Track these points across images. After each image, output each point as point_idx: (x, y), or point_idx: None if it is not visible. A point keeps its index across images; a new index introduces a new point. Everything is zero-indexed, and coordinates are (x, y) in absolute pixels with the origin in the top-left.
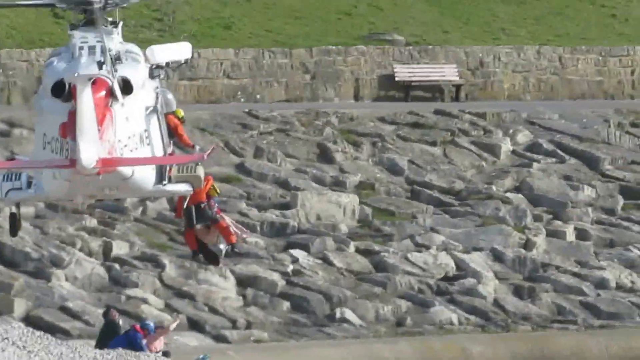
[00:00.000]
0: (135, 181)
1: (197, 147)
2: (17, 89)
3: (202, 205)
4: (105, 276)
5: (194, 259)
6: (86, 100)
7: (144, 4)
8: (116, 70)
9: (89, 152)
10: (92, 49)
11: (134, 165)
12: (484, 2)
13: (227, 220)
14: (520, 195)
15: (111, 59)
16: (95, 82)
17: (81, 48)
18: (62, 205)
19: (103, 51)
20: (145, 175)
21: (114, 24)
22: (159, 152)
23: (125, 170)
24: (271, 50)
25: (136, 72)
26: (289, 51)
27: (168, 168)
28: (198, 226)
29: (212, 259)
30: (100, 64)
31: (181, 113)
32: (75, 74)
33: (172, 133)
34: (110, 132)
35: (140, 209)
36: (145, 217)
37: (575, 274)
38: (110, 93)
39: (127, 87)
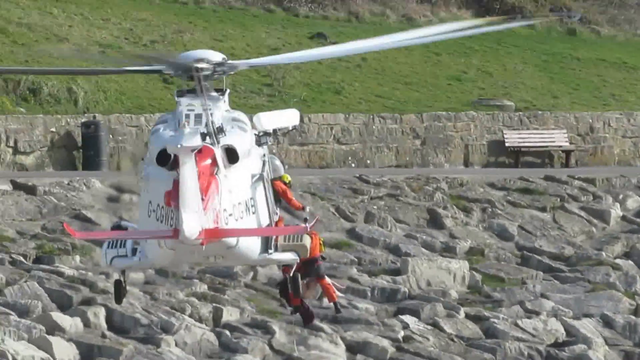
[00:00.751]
0: (240, 250)
1: (308, 209)
2: (127, 155)
3: (316, 260)
4: (215, 342)
5: (293, 314)
6: (189, 172)
7: (253, 69)
8: (219, 143)
9: (192, 223)
10: (198, 117)
11: (238, 236)
12: (594, 67)
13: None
14: (630, 262)
15: (214, 130)
16: (202, 151)
17: (187, 116)
18: (172, 271)
19: (207, 123)
20: (251, 244)
21: (221, 92)
22: (265, 221)
23: (230, 239)
24: (381, 115)
25: (242, 141)
26: (399, 116)
27: (274, 237)
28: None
29: (308, 316)
30: (203, 136)
31: (288, 178)
32: (179, 146)
33: (280, 198)
34: (215, 200)
35: (251, 274)
36: (256, 283)
37: None
38: (215, 161)
39: (232, 156)
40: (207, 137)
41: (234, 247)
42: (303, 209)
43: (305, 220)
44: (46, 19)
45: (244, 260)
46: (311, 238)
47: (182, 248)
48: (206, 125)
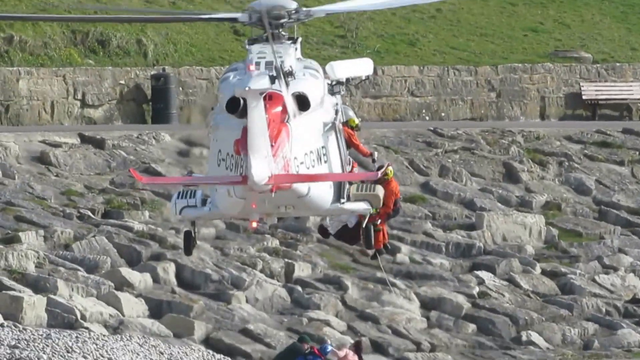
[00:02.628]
0: (311, 199)
1: (375, 154)
2: (197, 108)
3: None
4: (287, 298)
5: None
6: (257, 115)
7: (326, 20)
8: (288, 85)
9: (261, 168)
10: (269, 64)
11: (306, 182)
12: None
13: None
14: None
15: (284, 74)
16: (272, 98)
17: (258, 63)
18: (243, 226)
19: (275, 66)
20: (322, 193)
21: (293, 40)
22: (337, 170)
23: (301, 187)
24: (456, 67)
25: (314, 88)
26: (474, 69)
27: (348, 186)
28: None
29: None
30: (272, 78)
31: (355, 121)
32: (247, 88)
33: (348, 143)
34: (286, 148)
35: None
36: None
37: None
38: (286, 108)
39: (303, 103)
40: (276, 81)
41: (305, 196)
42: (371, 154)
43: (373, 160)
44: None
45: (316, 210)
46: (386, 187)
47: (253, 196)
48: (275, 68)
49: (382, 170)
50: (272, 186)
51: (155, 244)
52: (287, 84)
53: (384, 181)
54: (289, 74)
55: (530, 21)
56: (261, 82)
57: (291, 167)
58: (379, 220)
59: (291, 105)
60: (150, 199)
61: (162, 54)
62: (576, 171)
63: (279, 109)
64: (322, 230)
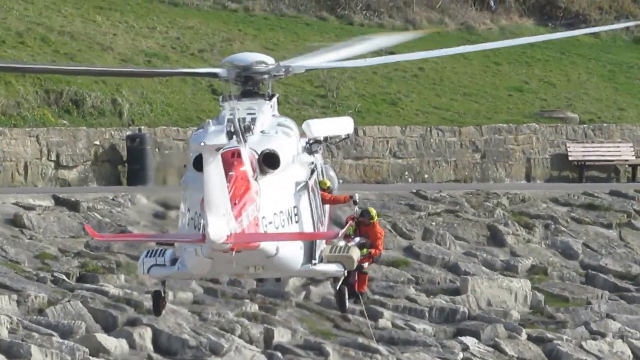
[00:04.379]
0: (280, 260)
1: (356, 195)
2: (174, 169)
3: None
4: None
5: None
6: (213, 171)
7: (306, 80)
8: (245, 141)
9: (219, 226)
10: (241, 122)
11: (266, 241)
12: None
13: None
14: None
15: (241, 128)
16: (239, 155)
17: (229, 120)
18: (221, 291)
19: (233, 121)
20: (292, 254)
21: (269, 97)
22: (309, 231)
23: (269, 247)
24: (439, 127)
25: (285, 147)
26: (458, 129)
27: (322, 247)
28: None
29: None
30: (229, 134)
31: (326, 183)
32: (202, 144)
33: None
34: (252, 207)
35: (303, 293)
36: (308, 303)
37: None
38: (254, 166)
39: (273, 161)
40: (234, 137)
41: (274, 257)
42: (351, 197)
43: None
44: (89, 28)
45: (286, 271)
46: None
47: (219, 256)
48: (232, 124)
49: (344, 230)
50: (231, 245)
51: (131, 308)
52: (244, 140)
53: (370, 224)
54: (247, 129)
55: (515, 80)
56: (218, 138)
57: (259, 227)
58: (366, 263)
59: (259, 162)
60: (126, 263)
61: (138, 114)
62: (563, 234)
63: (246, 166)
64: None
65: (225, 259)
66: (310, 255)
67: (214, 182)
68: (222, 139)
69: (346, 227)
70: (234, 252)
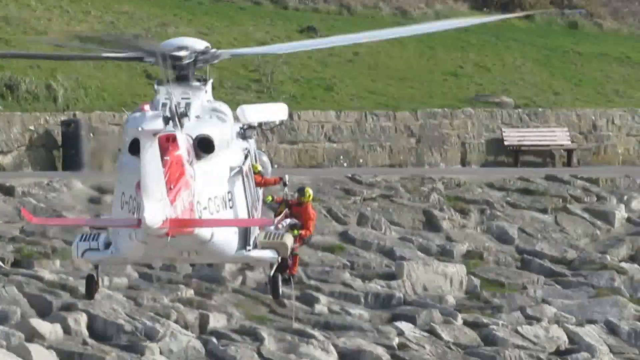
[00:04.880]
0: (215, 245)
1: (286, 177)
2: (109, 154)
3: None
4: (202, 350)
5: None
6: (150, 155)
7: (240, 64)
8: (182, 126)
9: (155, 211)
10: (171, 107)
11: (202, 226)
12: (596, 62)
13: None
14: (635, 265)
15: (177, 113)
16: (174, 140)
17: (164, 105)
18: (157, 276)
19: (170, 107)
20: (227, 240)
21: (204, 81)
22: (243, 216)
23: (204, 233)
24: (374, 112)
25: (220, 131)
26: (392, 114)
27: (256, 233)
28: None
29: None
30: (166, 119)
31: (258, 168)
32: (139, 129)
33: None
34: (187, 192)
35: (240, 279)
36: (244, 288)
37: None
38: (189, 151)
39: (207, 146)
40: (170, 122)
41: (208, 242)
42: (281, 179)
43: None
44: (24, 12)
45: (220, 256)
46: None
47: (154, 241)
48: (169, 109)
49: (279, 218)
50: (166, 230)
51: (66, 293)
52: (181, 125)
53: (303, 203)
54: (184, 115)
55: (450, 65)
56: (155, 123)
57: (194, 212)
58: (297, 244)
59: (193, 147)
60: (62, 248)
61: (73, 99)
62: (498, 219)
63: (181, 151)
64: None
65: (159, 244)
66: (244, 241)
67: (151, 167)
68: (159, 124)
69: (282, 216)
70: (169, 237)
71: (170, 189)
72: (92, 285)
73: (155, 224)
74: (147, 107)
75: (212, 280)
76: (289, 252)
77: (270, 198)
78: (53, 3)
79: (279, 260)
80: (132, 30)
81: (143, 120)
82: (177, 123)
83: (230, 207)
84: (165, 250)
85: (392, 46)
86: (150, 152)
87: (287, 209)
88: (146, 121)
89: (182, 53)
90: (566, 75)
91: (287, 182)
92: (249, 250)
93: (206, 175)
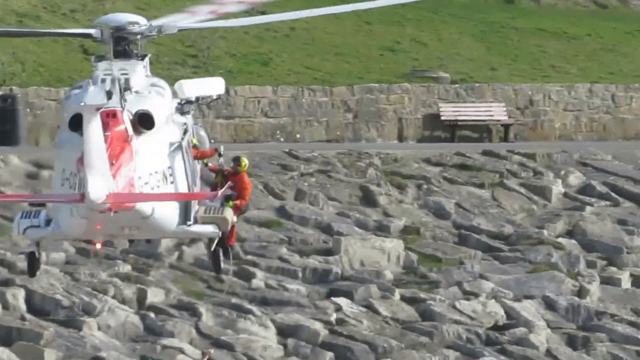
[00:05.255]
0: (156, 220)
1: (222, 148)
2: (46, 129)
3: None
4: (140, 325)
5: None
6: (94, 131)
7: (177, 40)
8: (125, 101)
9: (98, 186)
10: (114, 82)
11: (145, 201)
12: (533, 38)
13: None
14: (572, 241)
15: (121, 88)
16: (115, 115)
17: (103, 80)
18: (94, 251)
19: (112, 81)
20: (168, 215)
21: (142, 57)
22: (184, 191)
23: (145, 208)
24: (311, 88)
25: (159, 107)
26: (329, 89)
27: (196, 207)
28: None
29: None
30: (109, 94)
31: (194, 141)
32: (82, 104)
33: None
34: (129, 167)
35: (176, 254)
36: (182, 263)
37: (631, 323)
38: (129, 127)
39: (148, 122)
40: (113, 97)
41: (149, 217)
42: (216, 150)
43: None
44: None
45: (161, 232)
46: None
47: (95, 216)
48: (112, 83)
49: (222, 191)
50: (110, 205)
51: (4, 269)
52: (124, 99)
53: (238, 173)
54: (126, 89)
55: (387, 40)
56: (97, 98)
57: (135, 188)
58: (234, 215)
59: (133, 123)
60: None
61: (9, 74)
62: (435, 194)
63: (122, 127)
64: None
65: (100, 219)
66: (185, 216)
67: (93, 142)
68: (102, 99)
69: (224, 188)
70: (111, 213)
71: (112, 164)
72: (33, 262)
73: (99, 199)
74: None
75: (149, 256)
76: (229, 226)
77: (205, 162)
78: None
79: (220, 235)
80: (69, 5)
81: (85, 95)
82: (121, 98)
83: (171, 183)
84: (107, 226)
85: (328, 21)
86: (93, 127)
87: (229, 182)
88: (88, 96)
89: (134, 28)
90: (503, 50)
91: (222, 153)
92: (190, 225)
93: (146, 151)
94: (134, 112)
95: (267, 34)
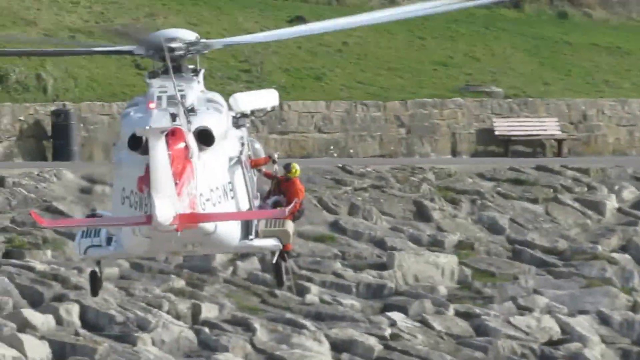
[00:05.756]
0: (218, 236)
1: (275, 155)
2: (99, 144)
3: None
4: (194, 340)
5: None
6: (160, 154)
7: (230, 55)
8: (190, 122)
9: (166, 208)
10: (170, 99)
11: (213, 221)
12: (586, 52)
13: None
14: (627, 255)
15: (185, 110)
16: (175, 134)
17: (159, 98)
18: (148, 266)
19: (177, 103)
20: (230, 231)
21: (196, 72)
22: (245, 205)
23: (208, 225)
24: (364, 102)
25: (218, 123)
26: (382, 104)
27: (256, 221)
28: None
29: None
30: (173, 116)
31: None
32: (147, 127)
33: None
34: (191, 185)
35: (231, 269)
36: (236, 278)
37: None
38: (189, 145)
39: (207, 138)
40: (177, 119)
41: (212, 234)
42: (270, 157)
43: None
44: (13, 2)
45: (223, 247)
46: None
47: (158, 235)
48: (176, 105)
49: (290, 207)
50: (177, 226)
51: (57, 284)
52: (188, 121)
53: (290, 179)
54: (191, 110)
55: (440, 55)
56: (162, 121)
57: (197, 205)
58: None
59: (195, 141)
60: (53, 238)
61: (62, 89)
62: (489, 209)
63: (182, 145)
64: None
65: (164, 238)
66: (247, 230)
67: (161, 165)
68: (167, 122)
69: (292, 204)
70: (178, 233)
71: (176, 183)
72: (95, 281)
73: (167, 221)
74: (152, 105)
75: (203, 271)
76: (291, 239)
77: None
78: None
79: (282, 248)
80: (120, 20)
81: (150, 118)
82: (185, 118)
83: (232, 198)
84: (169, 244)
85: (381, 36)
86: (159, 150)
87: (284, 191)
88: (153, 118)
89: (174, 44)
90: (556, 65)
91: (276, 160)
92: (252, 239)
93: (207, 167)
94: (193, 128)
95: (320, 48)
